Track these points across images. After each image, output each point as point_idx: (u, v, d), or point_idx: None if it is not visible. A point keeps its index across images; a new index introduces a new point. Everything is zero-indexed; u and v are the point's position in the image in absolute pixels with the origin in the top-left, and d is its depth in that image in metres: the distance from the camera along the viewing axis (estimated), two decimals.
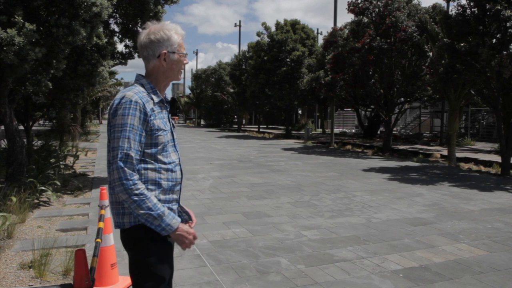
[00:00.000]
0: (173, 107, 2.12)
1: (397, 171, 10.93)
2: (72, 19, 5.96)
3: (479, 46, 10.10)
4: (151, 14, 8.11)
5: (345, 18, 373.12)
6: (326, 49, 19.28)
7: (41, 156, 9.62)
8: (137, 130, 1.77)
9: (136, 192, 1.72)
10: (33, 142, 11.68)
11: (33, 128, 12.18)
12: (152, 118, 1.82)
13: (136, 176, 1.74)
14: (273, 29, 25.61)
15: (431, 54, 14.33)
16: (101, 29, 8.13)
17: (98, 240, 2.79)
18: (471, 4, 10.62)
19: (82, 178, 8.86)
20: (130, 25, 9.04)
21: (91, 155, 13.70)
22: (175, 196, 1.93)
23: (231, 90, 34.53)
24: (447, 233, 5.19)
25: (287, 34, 24.49)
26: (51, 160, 9.46)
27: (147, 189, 1.79)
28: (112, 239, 3.42)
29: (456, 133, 13.38)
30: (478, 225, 5.61)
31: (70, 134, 17.29)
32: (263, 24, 25.87)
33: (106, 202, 3.33)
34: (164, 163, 1.87)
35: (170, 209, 1.89)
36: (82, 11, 5.94)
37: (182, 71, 2.03)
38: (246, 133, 29.93)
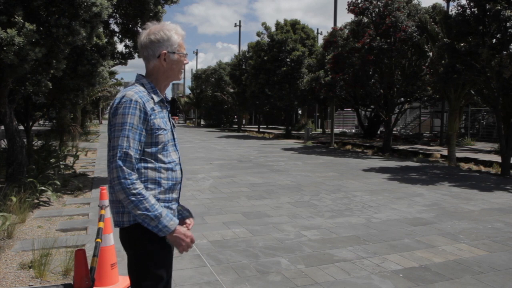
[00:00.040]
0: (173, 107, 2.12)
1: (397, 171, 10.93)
2: (72, 19, 5.97)
3: (479, 46, 10.11)
4: (151, 14, 8.11)
5: (345, 18, 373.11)
6: (326, 49, 19.29)
7: (41, 156, 9.62)
8: (137, 129, 1.77)
9: (134, 192, 1.71)
10: (33, 142, 11.68)
11: (33, 128, 12.18)
12: (152, 117, 1.82)
13: (134, 176, 1.74)
14: (273, 29, 25.61)
15: (431, 54, 14.34)
16: (101, 29, 8.13)
17: (98, 240, 2.79)
18: (471, 4, 10.62)
19: (82, 178, 8.86)
20: (130, 25, 9.04)
21: (91, 155, 13.70)
22: (174, 196, 1.93)
23: (231, 90, 34.53)
24: (447, 233, 5.19)
25: (287, 34, 24.48)
26: (51, 160, 9.46)
27: (147, 188, 1.79)
28: (112, 239, 3.42)
29: (456, 133, 13.38)
30: (478, 225, 5.61)
31: (70, 134, 17.29)
32: (263, 24, 25.89)
33: (106, 202, 3.33)
34: (164, 162, 1.87)
35: (170, 208, 1.89)
36: (82, 11, 5.94)
37: (182, 71, 2.04)
38: (246, 133, 29.92)
